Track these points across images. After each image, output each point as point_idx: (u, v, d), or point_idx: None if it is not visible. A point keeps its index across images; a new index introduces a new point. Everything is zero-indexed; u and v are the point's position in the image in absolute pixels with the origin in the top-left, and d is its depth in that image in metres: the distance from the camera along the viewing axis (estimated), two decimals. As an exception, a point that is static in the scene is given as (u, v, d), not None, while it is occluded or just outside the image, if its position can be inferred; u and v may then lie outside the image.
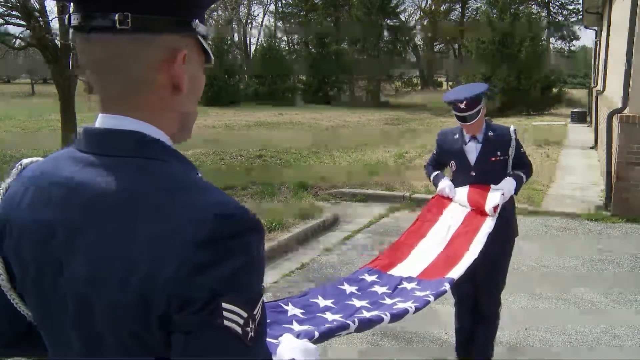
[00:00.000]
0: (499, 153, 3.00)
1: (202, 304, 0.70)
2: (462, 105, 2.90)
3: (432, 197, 3.22)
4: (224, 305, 0.71)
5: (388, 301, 2.13)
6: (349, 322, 1.73)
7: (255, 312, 0.75)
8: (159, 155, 0.81)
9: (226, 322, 0.71)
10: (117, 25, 0.76)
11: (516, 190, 3.01)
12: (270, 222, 6.03)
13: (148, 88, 0.82)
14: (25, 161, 0.91)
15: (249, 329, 0.73)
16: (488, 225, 2.77)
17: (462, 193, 3.00)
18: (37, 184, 0.84)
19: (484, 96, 2.96)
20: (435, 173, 3.26)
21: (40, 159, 0.91)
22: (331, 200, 7.71)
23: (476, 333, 3.21)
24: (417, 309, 2.05)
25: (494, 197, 2.86)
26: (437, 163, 3.30)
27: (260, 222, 0.78)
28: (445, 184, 3.12)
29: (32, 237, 0.82)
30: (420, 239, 2.82)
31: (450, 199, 3.06)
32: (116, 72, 0.80)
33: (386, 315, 1.90)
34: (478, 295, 3.17)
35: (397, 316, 1.95)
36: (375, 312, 1.96)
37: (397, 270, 2.50)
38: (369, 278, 2.38)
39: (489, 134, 3.02)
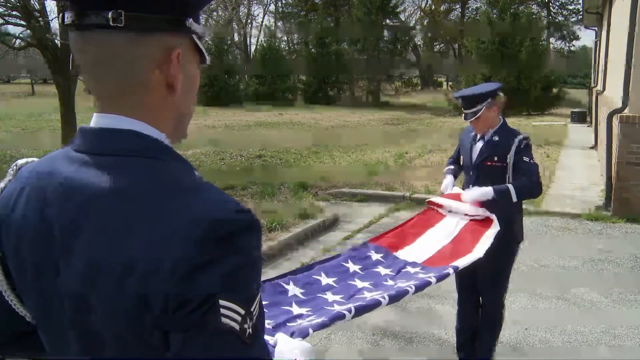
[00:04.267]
0: (496, 159, 2.93)
1: (199, 302, 0.69)
2: (460, 102, 2.97)
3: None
4: (222, 302, 0.70)
5: (390, 283, 2.10)
6: (344, 311, 1.70)
7: (252, 309, 0.74)
8: (157, 154, 0.80)
9: (224, 320, 0.71)
10: (111, 22, 0.76)
11: (496, 200, 2.80)
12: (270, 222, 6.02)
13: (143, 87, 0.81)
14: (20, 162, 0.90)
15: (246, 326, 0.73)
16: (495, 227, 2.73)
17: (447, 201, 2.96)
18: (33, 184, 0.84)
19: (490, 98, 2.88)
20: (447, 168, 3.28)
21: (35, 159, 0.90)
22: (331, 200, 7.71)
23: (479, 334, 3.20)
24: (417, 289, 2.01)
25: (469, 195, 2.83)
26: (457, 157, 3.30)
27: (258, 220, 0.77)
28: (446, 182, 3.15)
29: (28, 237, 0.82)
30: (428, 228, 2.81)
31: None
32: (110, 71, 0.80)
33: (384, 298, 1.86)
34: (482, 297, 3.17)
35: (395, 297, 1.91)
36: (374, 293, 1.92)
37: (403, 253, 2.49)
38: (375, 256, 2.38)
39: (494, 138, 2.97)
